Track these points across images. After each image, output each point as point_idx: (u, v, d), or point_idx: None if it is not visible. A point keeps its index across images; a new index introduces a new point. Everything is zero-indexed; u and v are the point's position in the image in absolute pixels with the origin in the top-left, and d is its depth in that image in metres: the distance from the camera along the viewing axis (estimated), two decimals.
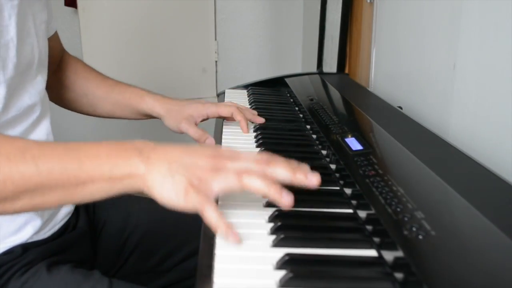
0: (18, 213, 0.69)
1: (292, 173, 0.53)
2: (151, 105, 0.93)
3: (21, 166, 0.52)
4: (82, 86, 0.95)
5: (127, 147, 0.55)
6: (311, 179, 0.53)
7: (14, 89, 0.70)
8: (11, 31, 0.68)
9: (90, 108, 0.96)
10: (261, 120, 0.93)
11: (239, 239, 0.50)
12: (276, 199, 0.52)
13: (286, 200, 0.51)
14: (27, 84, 0.74)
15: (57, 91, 0.95)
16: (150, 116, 0.95)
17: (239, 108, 0.92)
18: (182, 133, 0.91)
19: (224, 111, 0.91)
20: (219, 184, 0.52)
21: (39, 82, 0.76)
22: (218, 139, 0.87)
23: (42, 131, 0.76)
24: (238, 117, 0.90)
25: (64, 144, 0.56)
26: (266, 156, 0.56)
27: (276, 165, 0.53)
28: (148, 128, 2.59)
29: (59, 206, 0.55)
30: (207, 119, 0.93)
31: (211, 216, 0.50)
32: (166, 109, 0.92)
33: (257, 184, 0.51)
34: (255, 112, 0.96)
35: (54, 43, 0.91)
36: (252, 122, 0.94)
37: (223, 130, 0.92)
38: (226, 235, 0.50)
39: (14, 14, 0.68)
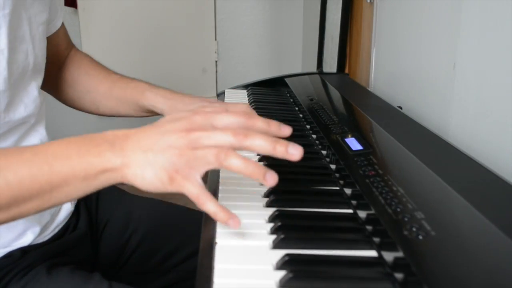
0: None
1: (271, 146, 0.50)
2: (153, 100, 0.86)
3: None
4: (84, 82, 0.91)
5: (97, 141, 0.52)
6: (292, 153, 0.50)
7: (6, 103, 0.66)
8: (1, 42, 0.64)
9: (93, 105, 0.92)
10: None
11: (239, 223, 0.49)
12: (259, 180, 0.49)
13: (269, 181, 0.49)
14: (22, 94, 0.70)
15: (60, 89, 0.92)
16: (153, 113, 0.89)
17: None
18: None
19: None
20: (200, 164, 0.50)
21: (33, 88, 0.72)
22: None
23: (36, 138, 0.74)
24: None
25: (31, 148, 0.53)
26: (244, 119, 0.53)
27: (255, 137, 0.50)
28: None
29: (38, 213, 0.54)
30: None
31: (208, 206, 0.49)
32: (169, 106, 0.85)
33: (238, 165, 0.49)
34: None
35: (59, 40, 0.88)
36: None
37: None
38: (227, 222, 0.49)
39: (5, 23, 0.64)
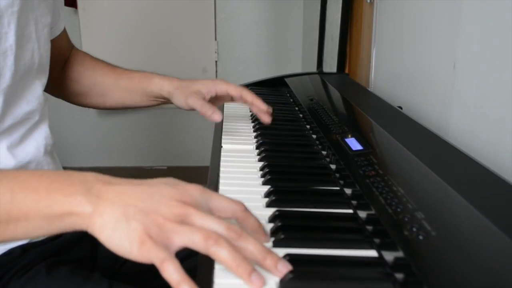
0: None
1: (262, 256, 0.45)
2: (160, 84, 0.90)
3: None
4: (90, 77, 0.95)
5: (73, 180, 0.47)
6: (280, 270, 0.45)
7: (11, 97, 0.69)
8: (10, 39, 0.67)
9: (100, 99, 0.95)
10: (268, 119, 0.88)
11: None
12: (243, 279, 0.44)
13: (254, 283, 0.43)
14: (26, 91, 0.73)
15: (65, 86, 0.95)
16: (160, 99, 0.93)
17: (249, 90, 0.89)
18: (190, 109, 0.87)
19: (234, 90, 0.88)
20: (181, 239, 0.44)
21: (37, 86, 0.75)
22: (218, 140, 0.87)
23: (40, 136, 0.76)
24: (248, 98, 0.87)
25: (1, 172, 0.49)
26: (240, 209, 0.49)
27: (248, 242, 0.45)
28: (147, 126, 2.59)
29: None
30: (215, 96, 0.89)
31: (171, 274, 0.42)
32: (175, 86, 0.89)
33: (225, 256, 0.44)
34: (268, 110, 0.88)
35: (62, 42, 0.91)
36: (258, 118, 0.90)
37: (223, 129, 0.92)
38: None
39: (14, 20, 0.67)
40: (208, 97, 0.88)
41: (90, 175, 0.48)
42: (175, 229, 0.44)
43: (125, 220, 0.44)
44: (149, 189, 0.47)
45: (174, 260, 0.43)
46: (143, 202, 0.46)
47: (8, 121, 0.69)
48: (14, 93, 0.69)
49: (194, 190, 0.48)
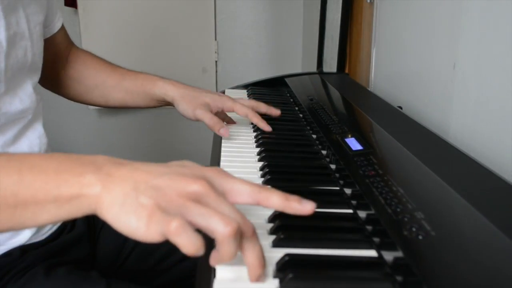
0: None
1: (257, 264, 0.43)
2: (165, 89, 0.90)
3: None
4: (92, 77, 0.95)
5: (83, 161, 0.45)
6: (256, 280, 0.44)
7: (2, 96, 0.69)
8: (1, 35, 0.66)
9: (102, 98, 0.96)
10: (277, 112, 0.92)
11: (202, 248, 0.40)
12: (211, 263, 0.44)
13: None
14: (18, 89, 0.73)
15: (67, 85, 0.95)
16: (163, 102, 0.93)
17: (254, 109, 0.90)
18: (196, 120, 0.87)
19: (240, 110, 0.88)
20: (194, 216, 0.41)
21: (29, 85, 0.75)
22: (218, 141, 0.87)
23: (34, 135, 0.76)
24: (254, 119, 0.88)
25: (8, 155, 0.47)
26: (257, 190, 0.46)
27: (256, 245, 0.44)
28: (147, 126, 2.59)
29: None
30: (221, 112, 0.91)
31: (187, 241, 0.39)
32: (181, 94, 0.89)
33: (230, 252, 0.41)
34: (270, 108, 0.94)
35: (61, 39, 0.91)
36: (269, 116, 0.93)
37: None
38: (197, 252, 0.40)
39: (3, 17, 0.66)
40: (214, 111, 0.89)
41: (101, 157, 0.46)
42: (189, 205, 0.41)
43: (135, 196, 0.41)
44: (163, 168, 0.45)
45: (188, 226, 0.39)
46: (155, 179, 0.43)
47: (1, 120, 0.69)
48: (6, 91, 0.69)
49: (209, 171, 0.46)
